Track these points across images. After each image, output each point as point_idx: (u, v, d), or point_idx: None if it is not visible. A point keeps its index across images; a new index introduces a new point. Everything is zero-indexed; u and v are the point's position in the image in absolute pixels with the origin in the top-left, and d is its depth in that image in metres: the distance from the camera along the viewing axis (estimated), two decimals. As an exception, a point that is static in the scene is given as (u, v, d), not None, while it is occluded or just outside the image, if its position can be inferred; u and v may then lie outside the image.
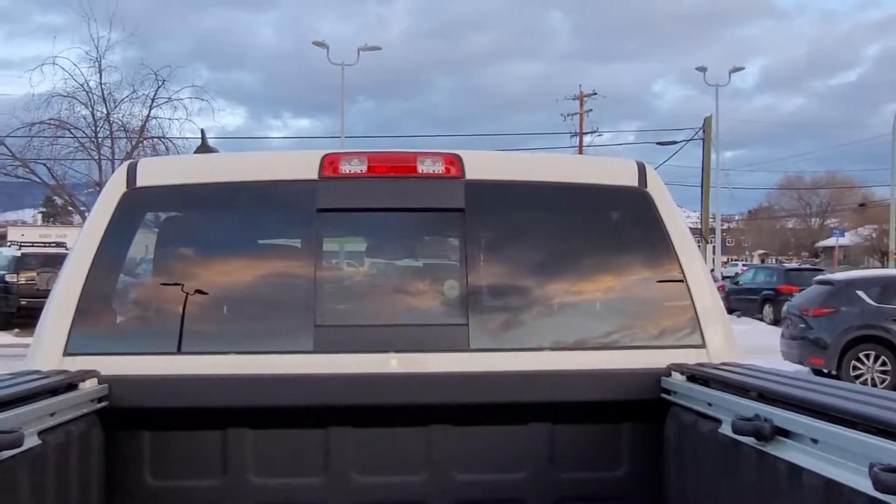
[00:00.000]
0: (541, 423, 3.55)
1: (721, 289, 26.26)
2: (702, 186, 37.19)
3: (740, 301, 28.75)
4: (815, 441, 2.27)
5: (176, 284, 3.65)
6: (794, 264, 32.06)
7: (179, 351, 3.50)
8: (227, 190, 3.77)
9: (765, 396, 2.67)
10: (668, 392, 3.43)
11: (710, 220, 38.12)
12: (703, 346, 3.61)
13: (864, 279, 15.79)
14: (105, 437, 3.32)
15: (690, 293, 3.65)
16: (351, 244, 4.06)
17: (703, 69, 39.10)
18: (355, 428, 3.51)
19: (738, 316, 26.48)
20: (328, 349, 3.50)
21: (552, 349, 3.59)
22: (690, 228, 3.95)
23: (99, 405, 3.28)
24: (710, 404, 3.01)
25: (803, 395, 2.50)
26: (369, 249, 4.12)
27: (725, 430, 2.79)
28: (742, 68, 42.65)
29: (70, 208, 33.72)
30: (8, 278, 23.87)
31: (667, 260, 3.71)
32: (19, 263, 24.36)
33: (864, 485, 1.95)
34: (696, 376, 3.27)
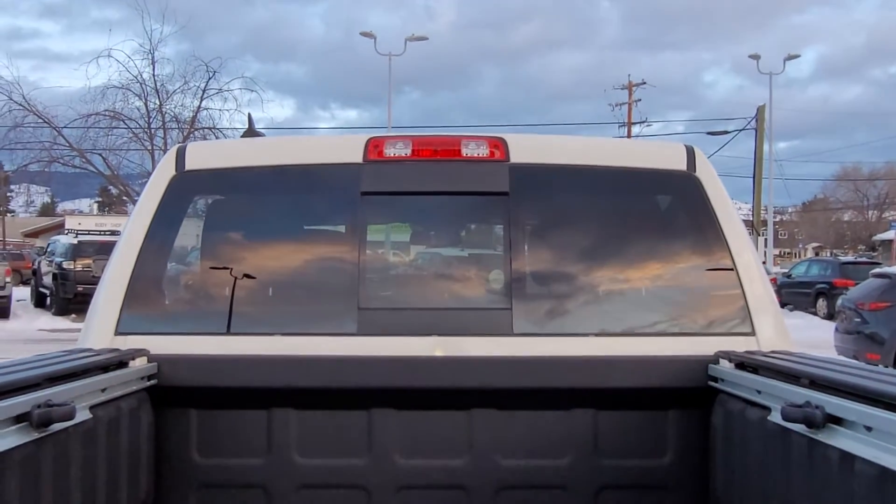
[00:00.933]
0: (584, 409, 3.51)
1: (773, 281, 25.70)
2: (754, 177, 36.37)
3: (793, 294, 28.08)
4: (868, 429, 2.20)
5: (223, 267, 3.71)
6: (849, 257, 31.13)
7: (227, 332, 3.55)
8: (273, 173, 3.81)
9: (816, 383, 2.59)
10: (715, 380, 3.36)
11: (763, 211, 37.27)
12: (752, 334, 3.53)
13: (923, 272, 15.27)
14: (154, 415, 3.39)
15: (740, 280, 3.57)
16: (395, 228, 4.07)
17: (756, 57, 38.16)
18: (398, 410, 3.52)
19: (791, 310, 25.88)
20: (371, 332, 3.51)
21: (597, 335, 3.55)
22: (742, 220, 3.86)
23: (148, 383, 3.35)
24: (758, 391, 2.93)
25: (856, 381, 2.42)
26: (413, 233, 4.12)
27: (775, 417, 2.72)
28: (797, 56, 41.45)
29: (125, 198, 34.61)
30: (65, 265, 24.54)
31: (716, 246, 3.63)
32: (76, 251, 25.02)
33: None
34: (745, 363, 3.20)
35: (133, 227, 3.67)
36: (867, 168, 61.43)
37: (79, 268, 24.32)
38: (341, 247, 3.78)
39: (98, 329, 3.53)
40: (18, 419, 2.32)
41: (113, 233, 32.89)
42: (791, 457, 2.60)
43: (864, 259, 30.12)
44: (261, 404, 3.51)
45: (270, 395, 3.49)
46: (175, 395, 3.44)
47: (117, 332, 3.50)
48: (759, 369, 3.08)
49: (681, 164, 3.74)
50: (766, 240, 36.29)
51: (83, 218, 42.38)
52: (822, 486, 2.40)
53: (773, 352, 3.35)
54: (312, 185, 3.85)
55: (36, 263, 30.23)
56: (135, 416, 3.20)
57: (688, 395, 3.45)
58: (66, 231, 34.76)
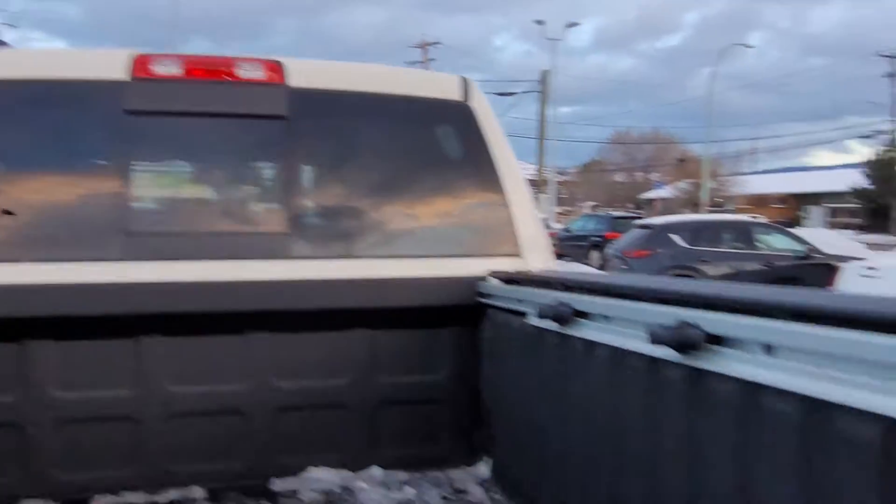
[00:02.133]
0: (362, 329, 3.58)
1: (553, 235, 27.50)
2: (539, 138, 38.57)
3: (571, 247, 30.24)
4: (607, 318, 2.44)
5: None
6: (620, 213, 34.08)
7: None
8: (26, 88, 3.45)
9: (568, 287, 2.83)
10: (484, 296, 3.55)
11: (545, 171, 39.66)
12: (519, 255, 3.76)
13: (677, 224, 17.09)
14: None
15: (510, 208, 3.78)
16: (164, 151, 3.84)
17: (541, 22, 40.28)
18: (168, 337, 3.38)
19: (569, 261, 27.90)
20: (139, 257, 3.33)
21: (373, 257, 3.61)
22: (527, 180, 4.08)
23: None
24: (519, 300, 3.15)
25: (601, 281, 2.67)
26: (185, 157, 3.93)
27: (531, 320, 2.94)
28: (577, 24, 44.48)
29: None
30: None
31: (488, 175, 3.80)
32: None
33: (646, 347, 2.12)
34: (511, 279, 3.41)
35: None
36: (637, 133, 67.23)
37: None
38: (105, 170, 3.53)
39: None
40: None
41: None
42: (545, 353, 2.83)
43: (631, 214, 33.07)
44: (11, 337, 3.22)
45: (25, 326, 3.21)
46: None
47: None
48: (521, 282, 3.30)
49: (456, 95, 3.86)
50: (548, 198, 38.71)
51: None
52: (572, 375, 2.64)
53: (537, 270, 3.61)
54: (72, 103, 3.53)
55: None
56: None
57: (459, 313, 3.62)
58: None
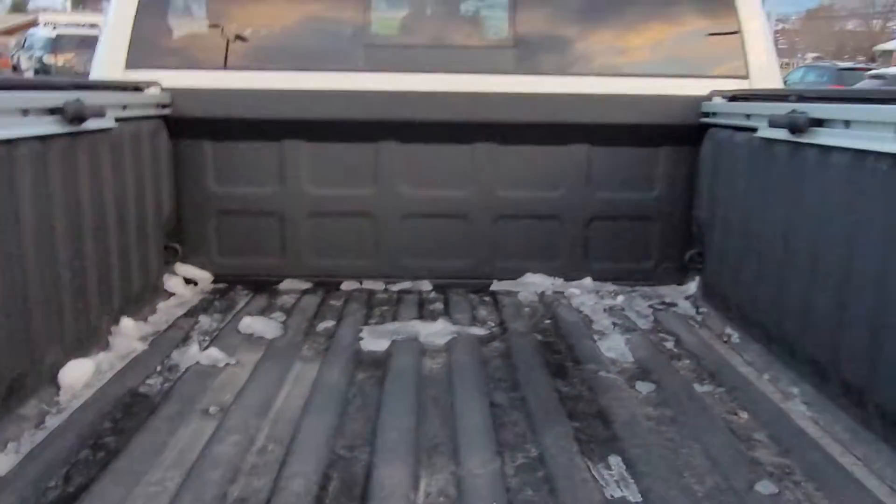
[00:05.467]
0: (579, 144, 3.70)
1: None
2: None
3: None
4: (847, 123, 2.38)
5: (229, 5, 3.72)
6: (848, 63, 30.69)
7: (238, 67, 3.63)
8: None
9: (804, 98, 2.75)
10: (707, 115, 3.52)
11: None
12: (747, 76, 3.66)
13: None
14: (171, 143, 3.55)
15: (743, 32, 3.66)
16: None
17: None
18: (403, 143, 3.70)
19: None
20: (378, 67, 3.62)
21: (597, 75, 3.67)
22: None
23: (164, 111, 3.48)
24: (747, 116, 3.10)
25: (842, 93, 2.57)
26: None
27: (762, 132, 2.90)
28: None
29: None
30: (46, 60, 23.81)
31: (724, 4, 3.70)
32: (55, 45, 24.17)
33: (891, 146, 2.08)
34: (738, 96, 3.35)
35: None
36: (878, -27, 58.73)
37: (60, 62, 23.62)
38: None
39: (108, 65, 3.59)
40: (53, 112, 2.47)
41: (93, 26, 31.56)
42: (774, 164, 2.81)
43: (861, 66, 29.70)
44: (273, 136, 3.67)
45: (282, 128, 3.64)
46: (189, 125, 3.58)
47: (128, 66, 3.58)
48: (749, 98, 3.23)
49: None
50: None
51: (57, 15, 40.36)
52: (802, 183, 2.63)
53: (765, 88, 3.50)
54: None
55: (15, 59, 29.25)
56: (154, 139, 3.36)
57: (680, 133, 3.63)
58: (44, 23, 33.21)
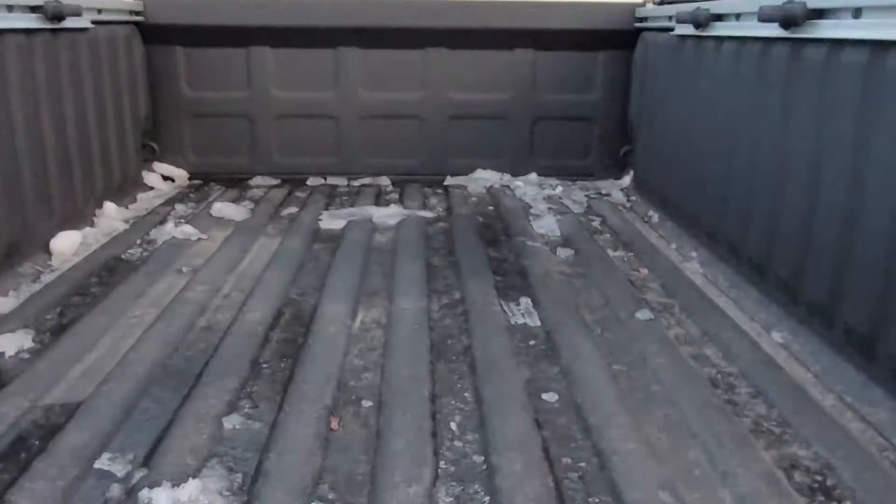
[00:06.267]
0: (525, 49, 4.01)
1: None
2: None
3: None
4: (738, 16, 2.69)
5: None
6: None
7: None
8: None
9: None
10: (641, 20, 3.82)
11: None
12: None
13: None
14: (146, 50, 3.83)
15: None
16: None
17: None
18: (362, 49, 3.99)
19: None
20: None
21: None
22: None
23: (136, 18, 3.75)
24: (670, 17, 3.40)
25: None
26: None
27: (676, 30, 3.22)
28: None
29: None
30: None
31: None
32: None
33: (763, 32, 2.41)
34: (666, 0, 3.64)
35: None
36: None
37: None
38: None
39: None
40: (34, 9, 2.75)
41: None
42: (683, 57, 3.14)
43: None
44: (240, 43, 3.96)
45: (248, 34, 3.92)
46: (162, 32, 3.85)
47: None
48: (675, 1, 3.53)
49: None
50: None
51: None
52: (703, 74, 2.96)
53: None
54: None
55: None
56: (128, 43, 3.64)
57: (617, 38, 3.93)
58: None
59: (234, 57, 3.98)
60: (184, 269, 2.70)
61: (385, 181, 4.11)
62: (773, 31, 2.31)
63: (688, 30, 3.05)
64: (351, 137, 4.11)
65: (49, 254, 2.79)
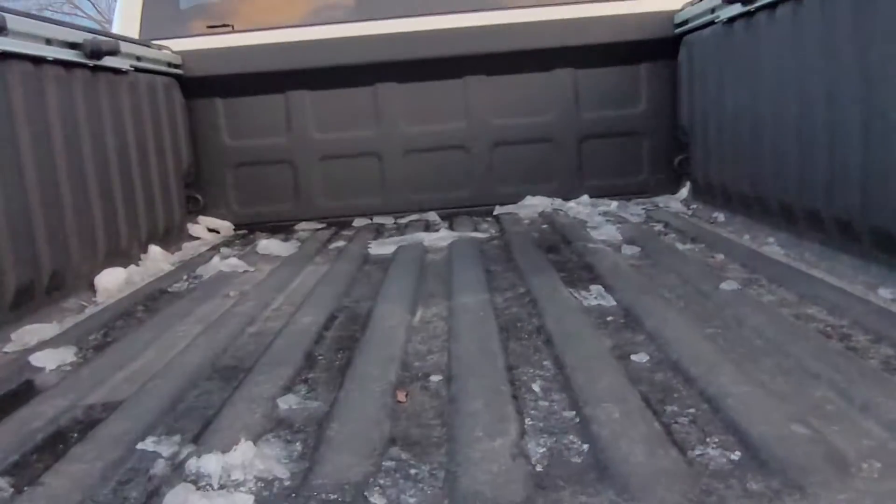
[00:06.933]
0: (565, 68, 3.92)
1: None
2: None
3: None
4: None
5: None
6: None
7: (237, 29, 3.93)
8: None
9: None
10: (681, 24, 3.72)
11: None
12: None
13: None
14: (186, 102, 3.84)
15: None
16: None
17: None
18: (399, 83, 3.95)
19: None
20: (370, 16, 3.88)
21: (573, 2, 3.89)
22: None
23: (176, 70, 3.77)
24: (712, 10, 3.29)
25: None
26: None
27: (722, 15, 3.09)
28: None
29: None
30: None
31: None
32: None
33: None
34: None
35: None
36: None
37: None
38: None
39: (122, 32, 3.91)
40: (72, 46, 2.75)
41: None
42: (734, 38, 3.00)
43: None
44: (278, 88, 3.95)
45: (285, 79, 3.91)
46: (201, 84, 3.86)
47: (141, 38, 3.89)
48: None
49: None
50: None
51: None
52: (757, 50, 2.81)
53: None
54: None
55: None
56: (168, 93, 3.64)
57: (658, 47, 3.82)
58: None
59: (272, 103, 3.97)
60: (231, 294, 2.57)
61: (433, 216, 3.98)
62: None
63: (735, 10, 2.92)
64: (395, 174, 4.02)
65: (94, 290, 2.70)
